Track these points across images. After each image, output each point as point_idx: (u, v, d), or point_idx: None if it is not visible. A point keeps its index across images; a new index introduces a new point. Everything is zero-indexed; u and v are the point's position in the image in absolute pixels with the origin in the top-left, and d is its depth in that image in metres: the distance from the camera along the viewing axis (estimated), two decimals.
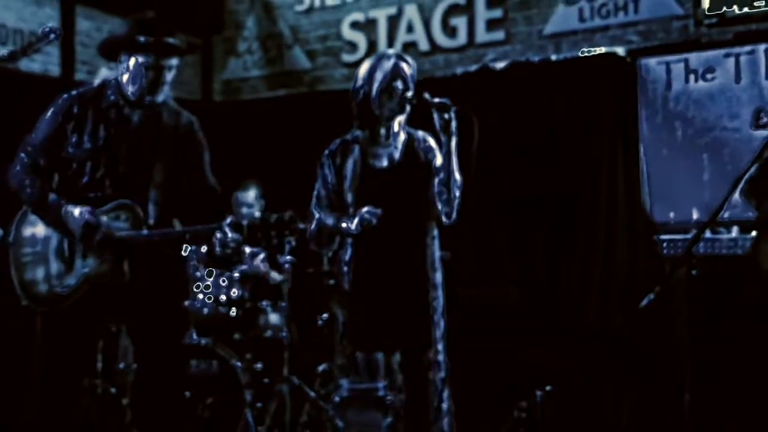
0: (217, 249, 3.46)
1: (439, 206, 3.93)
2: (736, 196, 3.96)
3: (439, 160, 4.01)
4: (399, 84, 3.94)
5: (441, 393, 3.93)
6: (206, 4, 7.63)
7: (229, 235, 3.39)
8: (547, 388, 5.22)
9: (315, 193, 4.13)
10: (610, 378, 5.11)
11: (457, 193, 3.93)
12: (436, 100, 3.84)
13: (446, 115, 3.81)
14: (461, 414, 4.12)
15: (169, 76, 3.59)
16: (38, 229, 3.52)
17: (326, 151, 4.11)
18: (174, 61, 3.58)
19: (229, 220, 3.38)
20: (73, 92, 3.60)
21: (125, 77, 3.53)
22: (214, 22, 7.70)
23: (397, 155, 4.03)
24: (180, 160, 3.63)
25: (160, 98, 3.60)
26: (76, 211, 3.40)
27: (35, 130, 3.55)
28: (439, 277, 4.04)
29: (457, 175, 3.91)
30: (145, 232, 3.45)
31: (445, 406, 3.94)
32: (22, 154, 3.55)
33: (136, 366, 3.90)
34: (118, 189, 3.49)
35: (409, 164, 4.00)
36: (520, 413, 5.13)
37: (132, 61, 3.51)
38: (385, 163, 4.02)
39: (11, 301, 3.55)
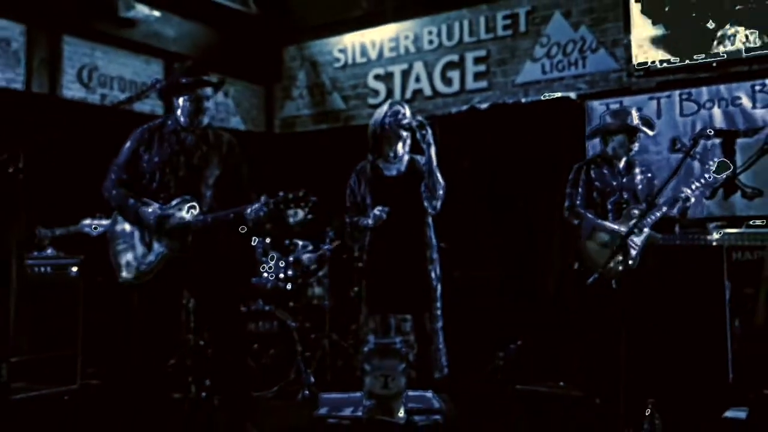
0: (250, 217, 3.34)
1: (425, 201, 4.02)
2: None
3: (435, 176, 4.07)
4: (401, 118, 4.08)
5: (438, 337, 4.03)
6: (269, 62, 7.65)
7: (255, 206, 3.30)
8: (518, 342, 5.33)
9: (347, 202, 4.28)
10: (563, 334, 5.15)
11: (441, 191, 4.01)
12: (414, 123, 3.98)
13: (423, 132, 3.94)
14: (456, 360, 4.17)
15: (208, 104, 3.58)
16: (125, 225, 3.55)
17: (354, 171, 4.27)
18: (209, 92, 3.57)
19: (263, 199, 3.31)
20: (145, 126, 3.62)
21: (179, 111, 3.56)
22: (275, 75, 7.71)
23: (402, 168, 4.15)
24: (223, 167, 3.60)
25: (204, 122, 3.59)
26: (149, 209, 3.44)
27: (119, 154, 3.58)
28: (435, 254, 4.12)
29: (439, 177, 3.99)
30: (201, 217, 3.45)
31: (441, 347, 4.04)
32: (111, 172, 3.57)
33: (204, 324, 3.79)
34: (180, 188, 3.49)
35: (410, 175, 4.11)
36: (498, 360, 5.25)
37: (180, 100, 3.55)
38: (393, 173, 4.14)
39: (114, 279, 3.58)
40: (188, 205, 3.46)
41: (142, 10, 6.05)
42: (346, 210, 4.26)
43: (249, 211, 3.32)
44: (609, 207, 4.35)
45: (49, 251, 4.76)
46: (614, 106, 5.38)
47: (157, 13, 6.20)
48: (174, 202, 3.47)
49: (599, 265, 3.82)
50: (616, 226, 4.20)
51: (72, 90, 5.96)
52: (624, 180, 4.39)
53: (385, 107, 4.20)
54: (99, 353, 4.89)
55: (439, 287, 4.09)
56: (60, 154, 3.52)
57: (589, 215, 4.33)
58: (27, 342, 4.41)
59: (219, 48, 6.94)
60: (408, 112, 4.16)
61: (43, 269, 4.70)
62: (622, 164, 4.43)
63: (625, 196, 4.35)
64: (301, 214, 5.45)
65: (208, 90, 3.58)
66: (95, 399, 4.59)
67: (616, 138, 4.37)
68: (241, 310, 4.46)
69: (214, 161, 3.57)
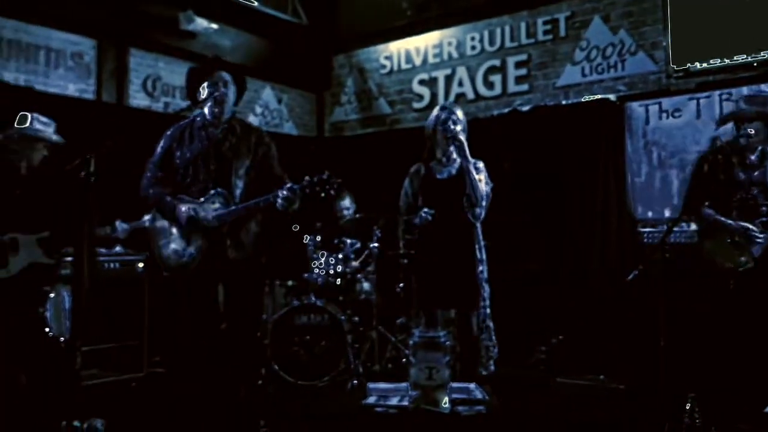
0: (279, 203, 3.26)
1: (467, 212, 3.96)
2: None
3: (482, 178, 4.03)
4: (449, 126, 4.03)
5: (486, 335, 3.97)
6: (319, 70, 7.70)
7: (284, 194, 3.22)
8: (560, 336, 5.26)
9: (400, 201, 4.24)
10: (604, 328, 5.06)
11: (483, 202, 3.94)
12: (449, 134, 3.95)
13: (458, 144, 3.93)
14: (499, 352, 4.14)
15: (228, 95, 3.49)
16: (165, 221, 3.50)
17: (408, 172, 4.22)
18: (223, 90, 3.48)
19: (287, 185, 3.26)
20: (177, 124, 3.57)
21: (206, 108, 3.48)
22: (325, 82, 7.76)
23: (453, 171, 4.10)
24: (253, 157, 3.50)
25: (226, 114, 3.51)
26: (183, 208, 3.38)
27: (154, 153, 3.54)
28: (483, 255, 4.05)
29: (482, 187, 3.92)
30: (233, 207, 3.37)
31: (489, 344, 3.98)
32: (147, 170, 3.53)
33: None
34: (211, 180, 3.43)
35: (461, 178, 4.03)
36: (540, 353, 5.21)
37: (203, 96, 3.48)
38: (445, 176, 4.10)
39: (159, 272, 3.58)
40: (220, 198, 3.39)
41: (202, 23, 6.16)
42: (399, 209, 4.25)
43: (279, 198, 3.23)
44: (735, 203, 3.76)
45: (117, 248, 4.89)
46: (749, 91, 4.81)
47: (215, 26, 6.31)
48: (207, 195, 3.41)
49: (720, 266, 3.64)
50: (741, 225, 3.70)
51: (137, 99, 6.11)
52: (755, 174, 3.74)
53: (435, 111, 4.16)
54: (163, 343, 4.98)
55: (487, 287, 4.02)
56: (127, 158, 3.57)
57: (710, 212, 3.83)
58: (98, 332, 4.53)
59: (272, 57, 7.03)
60: (459, 114, 4.10)
61: (112, 265, 4.84)
62: (754, 156, 3.77)
63: (754, 192, 3.74)
64: (352, 210, 5.51)
65: (223, 87, 3.48)
66: (160, 386, 4.68)
67: (752, 126, 3.69)
68: (261, 305, 4.43)
69: (243, 152, 3.48)
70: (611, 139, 5.75)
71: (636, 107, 5.66)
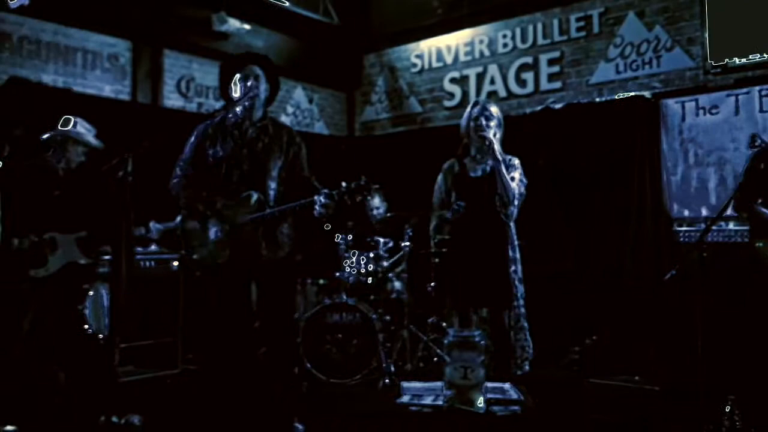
0: (317, 211, 3.20)
1: (500, 211, 3.90)
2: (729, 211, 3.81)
3: (516, 175, 3.95)
4: (482, 121, 3.99)
5: (520, 335, 3.92)
6: (350, 70, 7.72)
7: (323, 201, 3.16)
8: (593, 337, 5.18)
9: (434, 197, 4.19)
10: (640, 328, 4.98)
11: (515, 201, 3.87)
12: (485, 134, 3.88)
13: (486, 144, 3.87)
14: (533, 352, 4.12)
15: (259, 90, 3.40)
16: (196, 223, 3.39)
17: (442, 168, 4.16)
18: (253, 83, 3.38)
19: (324, 191, 3.20)
20: (207, 121, 3.47)
21: (238, 105, 3.37)
22: (355, 82, 7.78)
23: (487, 169, 4.00)
24: (286, 157, 3.42)
25: (258, 112, 3.41)
26: (213, 230, 3.30)
27: (184, 151, 3.46)
28: (517, 254, 3.98)
29: (514, 186, 3.85)
30: (268, 211, 3.28)
31: (524, 344, 3.92)
32: (177, 168, 3.46)
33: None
34: (244, 181, 3.32)
35: (493, 177, 3.95)
36: (574, 353, 5.13)
37: (233, 93, 3.41)
38: (479, 173, 4.02)
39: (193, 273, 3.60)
40: (254, 200, 3.31)
41: (234, 24, 6.21)
42: (432, 205, 4.20)
43: (317, 205, 3.18)
44: None
45: (152, 247, 4.96)
46: None
47: (247, 27, 6.36)
48: (240, 198, 3.32)
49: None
50: None
51: (171, 99, 6.20)
52: None
53: (469, 107, 4.10)
54: (197, 341, 5.02)
55: (521, 287, 3.96)
56: (161, 159, 3.60)
57: (764, 210, 3.74)
58: (134, 330, 4.60)
59: (304, 57, 7.06)
60: (493, 110, 4.03)
61: (147, 264, 4.91)
62: None
63: None
64: (383, 209, 5.49)
65: (251, 81, 3.38)
66: (194, 382, 4.71)
67: None
68: (294, 306, 4.27)
69: (276, 152, 3.39)
70: (646, 136, 5.66)
71: (672, 104, 5.57)
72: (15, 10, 4.70)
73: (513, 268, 3.96)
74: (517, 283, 3.97)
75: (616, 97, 5.89)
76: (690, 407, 3.73)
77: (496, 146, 3.91)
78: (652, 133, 5.63)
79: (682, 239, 4.99)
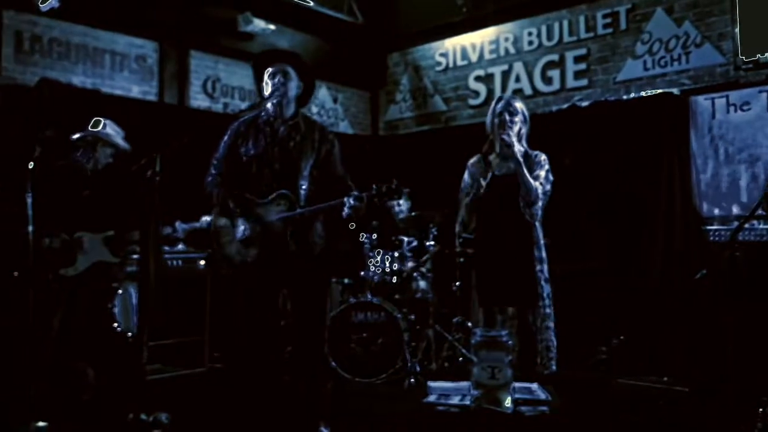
0: (345, 212, 3.18)
1: (523, 212, 3.84)
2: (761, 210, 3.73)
3: (541, 173, 3.86)
4: (506, 117, 3.90)
5: (545, 335, 3.86)
6: (374, 69, 7.73)
7: (352, 203, 3.14)
8: (621, 337, 5.12)
9: (460, 192, 4.08)
10: (668, 328, 4.91)
11: (539, 202, 3.80)
12: (505, 137, 3.81)
13: (506, 147, 3.81)
14: (559, 352, 4.00)
15: (288, 87, 3.35)
16: (226, 220, 3.36)
17: (468, 164, 4.07)
18: (280, 79, 3.33)
19: (354, 193, 3.17)
20: (241, 119, 3.45)
21: (269, 102, 3.34)
22: (380, 81, 7.78)
23: (512, 166, 3.87)
24: (318, 155, 3.38)
25: (290, 110, 3.39)
26: (241, 228, 3.28)
27: (218, 149, 3.44)
28: (543, 254, 3.91)
29: (536, 186, 3.77)
30: (298, 210, 3.24)
31: (549, 344, 3.87)
32: (211, 166, 3.43)
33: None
34: (275, 180, 3.29)
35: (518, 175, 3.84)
36: (601, 353, 5.09)
37: (265, 90, 3.39)
38: (503, 171, 3.93)
39: (221, 269, 3.51)
40: (285, 200, 3.27)
41: (259, 24, 6.25)
42: (460, 194, 4.11)
43: (346, 207, 3.16)
44: None
45: (180, 246, 5.00)
46: None
47: (272, 27, 6.38)
48: (270, 197, 3.28)
49: None
50: None
51: (198, 100, 6.24)
52: None
53: (492, 104, 4.04)
54: (223, 340, 5.06)
55: (547, 287, 3.89)
56: (187, 159, 3.61)
57: None
58: (162, 328, 4.64)
59: (328, 57, 7.08)
60: (517, 105, 3.95)
61: (175, 263, 4.95)
62: None
63: None
64: (406, 208, 5.47)
65: (279, 74, 3.34)
66: (220, 381, 4.75)
67: None
68: (327, 306, 4.12)
69: (308, 151, 3.35)
70: (675, 134, 5.58)
71: (701, 101, 5.48)
72: (46, 13, 4.77)
73: (538, 267, 3.90)
74: (542, 282, 3.90)
75: (644, 95, 5.82)
76: (722, 409, 3.66)
77: (517, 147, 3.83)
78: (681, 131, 5.55)
79: (712, 238, 4.92)
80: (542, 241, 3.94)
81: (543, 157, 3.93)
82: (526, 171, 3.80)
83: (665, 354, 4.82)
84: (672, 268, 5.43)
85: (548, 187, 3.93)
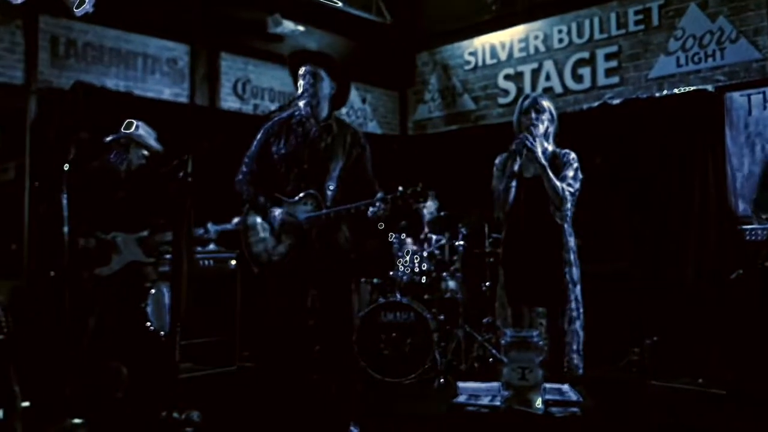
0: (371, 213, 3.19)
1: (553, 213, 3.76)
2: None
3: (569, 173, 3.76)
4: (533, 115, 3.82)
5: (572, 337, 3.79)
6: (403, 68, 7.72)
7: (377, 204, 3.16)
8: (654, 338, 5.03)
9: (493, 184, 3.98)
10: (703, 329, 4.82)
11: (566, 204, 3.71)
12: (513, 146, 3.74)
13: (524, 150, 3.73)
14: (589, 353, 3.99)
15: (319, 89, 3.35)
16: (257, 218, 3.36)
17: (495, 162, 3.98)
18: (309, 80, 3.34)
19: (379, 195, 3.19)
20: (275, 118, 3.44)
21: (301, 103, 3.35)
22: (408, 80, 7.76)
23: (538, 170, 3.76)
24: (348, 158, 3.38)
25: (323, 112, 3.39)
26: (277, 212, 3.29)
27: (251, 147, 3.44)
28: (572, 256, 3.82)
29: (563, 187, 3.70)
30: (324, 211, 3.25)
31: (576, 347, 3.79)
32: (243, 164, 3.44)
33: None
34: (303, 180, 3.30)
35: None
36: (633, 354, 5.03)
37: (300, 90, 3.37)
38: (531, 172, 3.83)
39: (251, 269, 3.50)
40: (312, 199, 3.28)
41: (289, 25, 6.29)
42: (493, 180, 3.99)
43: (371, 208, 3.17)
44: None
45: (211, 246, 5.06)
46: None
47: (301, 28, 6.42)
48: (298, 197, 3.30)
49: None
50: None
51: (228, 102, 6.29)
52: None
53: (519, 102, 3.95)
54: (253, 339, 5.12)
55: (576, 289, 3.81)
56: (218, 160, 3.64)
57: None
58: (194, 327, 4.70)
59: (357, 57, 7.08)
60: (544, 103, 3.85)
61: (206, 263, 5.01)
62: None
63: None
64: (433, 208, 5.46)
65: (308, 75, 3.34)
66: (250, 379, 4.80)
67: None
68: (352, 307, 4.11)
69: (338, 153, 3.35)
70: (709, 131, 5.48)
71: (737, 97, 5.37)
72: (80, 17, 4.86)
73: (566, 270, 3.82)
74: (570, 285, 3.82)
75: (677, 92, 5.72)
76: (759, 412, 3.59)
77: (539, 149, 3.74)
78: (716, 128, 5.44)
79: (748, 238, 4.76)
80: (571, 243, 3.85)
81: (572, 155, 3.83)
82: (551, 174, 3.72)
83: (699, 356, 4.72)
84: (706, 267, 5.33)
85: (577, 185, 3.82)
